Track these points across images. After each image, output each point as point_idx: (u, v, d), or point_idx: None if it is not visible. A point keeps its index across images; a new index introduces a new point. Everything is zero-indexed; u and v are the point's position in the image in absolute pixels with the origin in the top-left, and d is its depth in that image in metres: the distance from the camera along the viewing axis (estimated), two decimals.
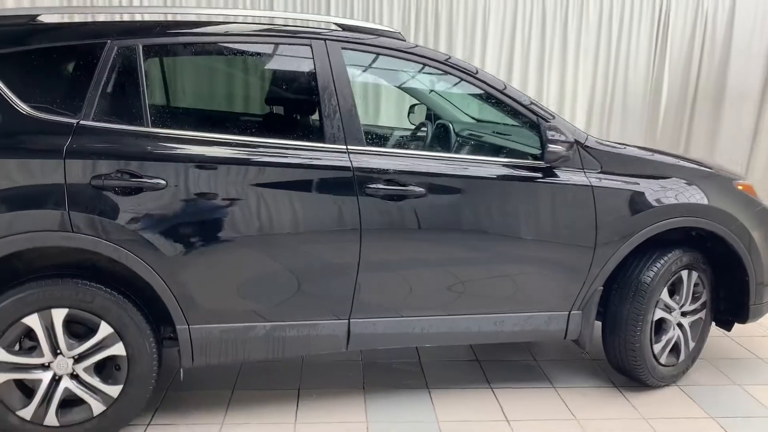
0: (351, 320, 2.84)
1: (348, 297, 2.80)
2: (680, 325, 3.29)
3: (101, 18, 2.82)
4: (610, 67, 7.25)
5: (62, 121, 2.51)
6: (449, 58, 2.99)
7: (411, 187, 2.76)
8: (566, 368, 3.51)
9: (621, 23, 7.17)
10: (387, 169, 2.74)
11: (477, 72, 2.99)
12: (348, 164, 2.71)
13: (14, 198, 2.42)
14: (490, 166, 2.95)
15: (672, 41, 7.20)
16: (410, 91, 3.98)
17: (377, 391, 3.19)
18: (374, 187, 2.72)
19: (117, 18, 2.87)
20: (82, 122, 2.52)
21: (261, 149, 2.66)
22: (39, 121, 2.49)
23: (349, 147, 2.74)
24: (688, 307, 3.30)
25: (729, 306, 3.43)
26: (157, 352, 2.69)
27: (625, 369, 3.26)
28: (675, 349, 3.31)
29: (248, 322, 2.73)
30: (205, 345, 2.70)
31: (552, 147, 2.80)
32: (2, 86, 2.49)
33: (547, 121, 2.94)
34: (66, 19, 2.81)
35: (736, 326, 3.57)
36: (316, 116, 2.76)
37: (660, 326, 3.22)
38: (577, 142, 3.01)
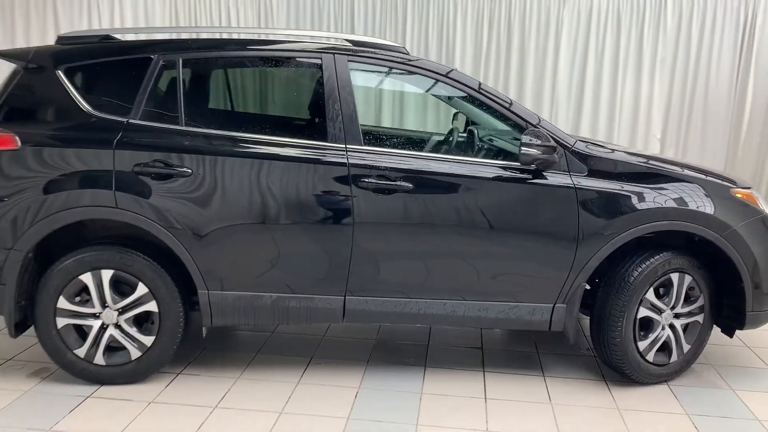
0: (346, 297, 3.26)
1: (343, 277, 3.22)
2: (672, 327, 3.40)
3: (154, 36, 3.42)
4: (689, 77, 7.11)
5: (115, 119, 3.14)
6: (421, 61, 3.36)
7: (400, 183, 3.14)
8: (564, 361, 3.72)
9: (701, 32, 7.02)
10: (378, 166, 3.14)
11: (451, 72, 3.33)
12: (345, 161, 3.14)
13: (76, 179, 3.07)
14: (481, 167, 3.25)
15: (759, 49, 6.97)
16: (412, 96, 4.35)
17: (378, 365, 3.59)
18: (366, 182, 3.12)
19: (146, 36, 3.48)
20: (130, 120, 3.14)
21: (276, 147, 3.15)
22: (98, 119, 3.14)
23: (348, 146, 3.17)
24: (681, 309, 3.40)
25: (731, 312, 3.48)
26: (184, 312, 3.25)
27: (611, 363, 3.43)
28: (666, 349, 3.42)
29: (256, 292, 3.22)
30: (221, 308, 3.23)
31: (525, 150, 3.07)
32: (73, 91, 3.16)
33: (535, 127, 3.20)
34: (129, 38, 3.44)
35: (759, 337, 3.62)
36: (321, 118, 3.21)
37: (647, 325, 3.36)
38: (564, 147, 3.25)
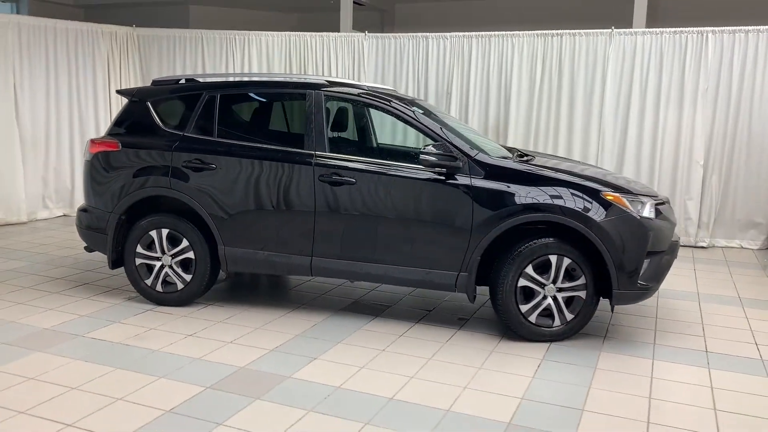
0: (312, 258, 4.70)
1: (309, 243, 4.67)
2: (555, 298, 4.38)
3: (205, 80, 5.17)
4: (731, 106, 7.58)
5: (176, 132, 4.92)
6: (378, 97, 4.73)
7: (346, 178, 4.54)
8: (489, 324, 4.79)
9: (743, 64, 7.48)
10: (332, 165, 4.58)
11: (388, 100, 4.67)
12: (310, 161, 4.61)
13: (149, 170, 4.87)
14: (409, 170, 4.53)
15: None
16: (372, 119, 5.81)
17: (346, 312, 4.95)
18: (323, 176, 4.57)
19: (210, 80, 5.21)
20: (185, 134, 4.90)
21: (269, 151, 4.71)
22: (165, 133, 4.94)
23: (315, 152, 4.64)
24: (562, 285, 4.36)
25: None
26: (211, 261, 4.88)
27: (503, 321, 4.48)
28: (550, 315, 4.40)
29: (254, 249, 4.78)
30: (233, 259, 4.83)
31: (423, 156, 4.32)
32: (155, 115, 5.00)
33: (436, 142, 4.44)
34: (201, 81, 5.22)
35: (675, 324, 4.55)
36: (300, 133, 4.73)
37: (530, 293, 4.38)
38: (467, 156, 4.43)
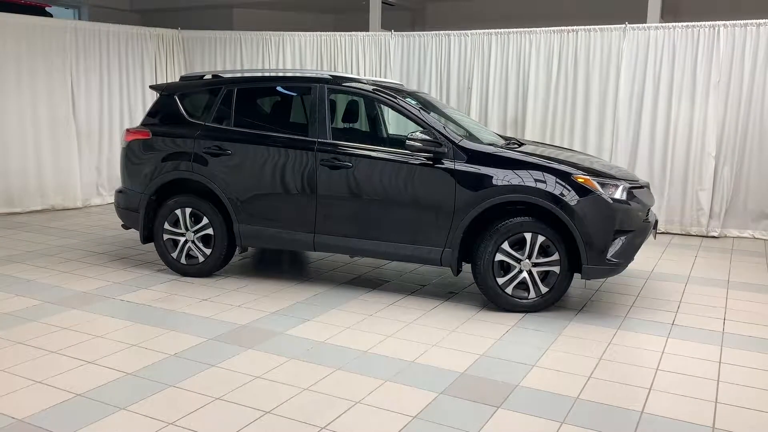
0: (315, 234, 5.23)
1: (312, 221, 5.20)
2: (530, 272, 4.78)
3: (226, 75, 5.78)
4: (743, 99, 7.71)
5: (198, 123, 5.54)
6: (376, 89, 5.20)
7: (344, 162, 5.06)
8: (475, 298, 5.21)
9: (755, 57, 7.61)
10: (330, 151, 5.10)
11: (375, 90, 5.13)
12: (313, 147, 5.15)
13: (175, 155, 5.51)
14: (400, 155, 5.00)
15: None
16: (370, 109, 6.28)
17: (351, 283, 5.48)
18: (324, 160, 5.10)
19: (230, 75, 5.82)
20: (206, 123, 5.52)
21: (278, 138, 5.27)
22: (190, 123, 5.57)
23: (318, 139, 5.18)
24: (537, 260, 4.75)
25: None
26: (228, 236, 5.48)
27: (483, 294, 4.90)
28: (525, 288, 4.80)
29: (264, 227, 5.35)
30: (246, 235, 5.41)
31: (409, 142, 4.79)
32: (181, 107, 5.64)
33: (424, 129, 4.90)
34: (223, 76, 5.83)
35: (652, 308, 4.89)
36: (306, 122, 5.27)
37: (507, 267, 4.78)
38: (452, 142, 4.87)
